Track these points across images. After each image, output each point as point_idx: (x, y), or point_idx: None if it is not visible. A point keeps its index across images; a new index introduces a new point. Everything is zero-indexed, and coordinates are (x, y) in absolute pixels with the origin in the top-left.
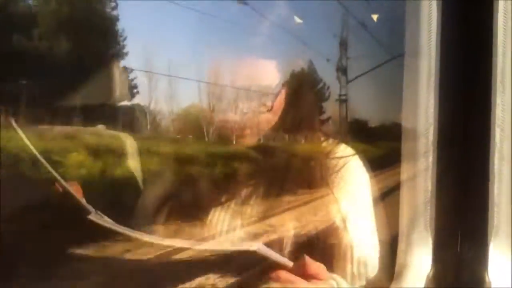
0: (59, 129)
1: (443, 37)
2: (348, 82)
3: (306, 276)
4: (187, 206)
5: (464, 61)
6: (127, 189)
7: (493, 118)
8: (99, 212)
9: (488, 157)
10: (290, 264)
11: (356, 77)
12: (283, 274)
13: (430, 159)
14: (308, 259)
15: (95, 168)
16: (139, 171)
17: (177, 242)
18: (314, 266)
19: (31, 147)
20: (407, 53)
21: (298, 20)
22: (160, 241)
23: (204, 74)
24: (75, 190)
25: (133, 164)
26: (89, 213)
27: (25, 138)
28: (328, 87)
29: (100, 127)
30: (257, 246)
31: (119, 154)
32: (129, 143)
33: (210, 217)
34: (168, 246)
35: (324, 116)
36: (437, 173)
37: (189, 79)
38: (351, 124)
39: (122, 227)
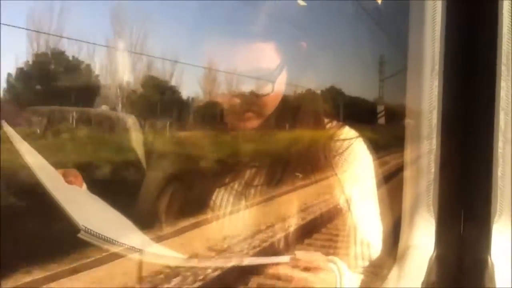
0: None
1: (448, 21)
2: None
3: (304, 267)
4: (191, 187)
5: (469, 44)
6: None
7: (497, 101)
8: (88, 229)
9: (492, 140)
10: (287, 259)
11: None
12: (281, 270)
13: (434, 141)
14: (299, 254)
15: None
16: (142, 151)
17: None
18: (307, 258)
19: (23, 156)
20: (412, 37)
21: (301, 2)
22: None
23: (204, 60)
24: (75, 177)
25: (137, 143)
26: (78, 230)
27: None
28: None
29: (104, 107)
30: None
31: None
32: (131, 122)
33: (214, 198)
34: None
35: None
36: (440, 155)
37: (189, 65)
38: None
39: (115, 241)
